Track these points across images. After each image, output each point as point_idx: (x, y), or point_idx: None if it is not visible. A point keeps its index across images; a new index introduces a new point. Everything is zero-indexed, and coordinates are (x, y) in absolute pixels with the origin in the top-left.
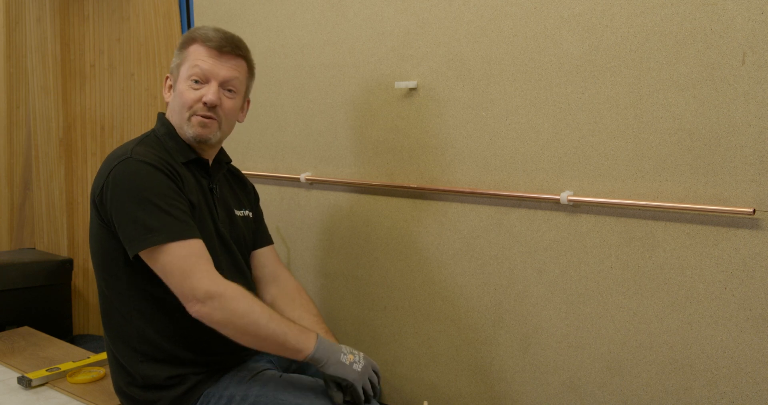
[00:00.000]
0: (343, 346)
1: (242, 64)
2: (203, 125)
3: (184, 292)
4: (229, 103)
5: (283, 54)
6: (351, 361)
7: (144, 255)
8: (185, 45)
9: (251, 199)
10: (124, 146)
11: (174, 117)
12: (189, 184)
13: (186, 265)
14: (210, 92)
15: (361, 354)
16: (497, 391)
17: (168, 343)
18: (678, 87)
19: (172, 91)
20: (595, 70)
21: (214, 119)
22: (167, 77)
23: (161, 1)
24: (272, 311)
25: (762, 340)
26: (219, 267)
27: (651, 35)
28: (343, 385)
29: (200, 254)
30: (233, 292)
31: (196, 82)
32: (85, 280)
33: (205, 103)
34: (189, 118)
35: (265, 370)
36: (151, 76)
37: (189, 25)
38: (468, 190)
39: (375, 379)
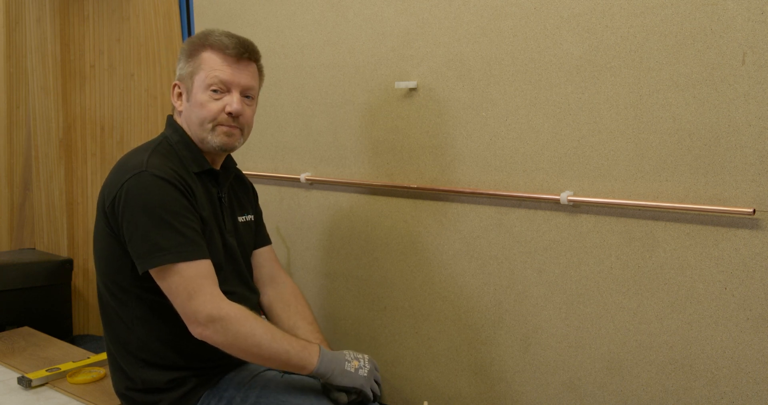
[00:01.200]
0: (346, 352)
1: (256, 69)
2: (229, 134)
3: (187, 314)
4: (249, 110)
5: (283, 54)
6: (356, 367)
7: (152, 272)
8: (196, 51)
9: (252, 200)
10: (137, 155)
11: (194, 127)
12: (200, 197)
13: (191, 287)
14: (234, 102)
15: (366, 357)
16: (497, 391)
17: (170, 351)
18: (678, 87)
19: (182, 99)
20: (595, 70)
21: (238, 128)
22: (175, 85)
23: (161, 1)
24: (274, 329)
25: (762, 340)
26: (225, 278)
27: (651, 35)
28: (352, 392)
29: (206, 275)
30: (235, 314)
31: (216, 92)
32: (85, 280)
33: (229, 113)
34: (213, 129)
35: (265, 371)
36: (151, 77)
37: (189, 25)
38: (468, 190)
39: (378, 377)
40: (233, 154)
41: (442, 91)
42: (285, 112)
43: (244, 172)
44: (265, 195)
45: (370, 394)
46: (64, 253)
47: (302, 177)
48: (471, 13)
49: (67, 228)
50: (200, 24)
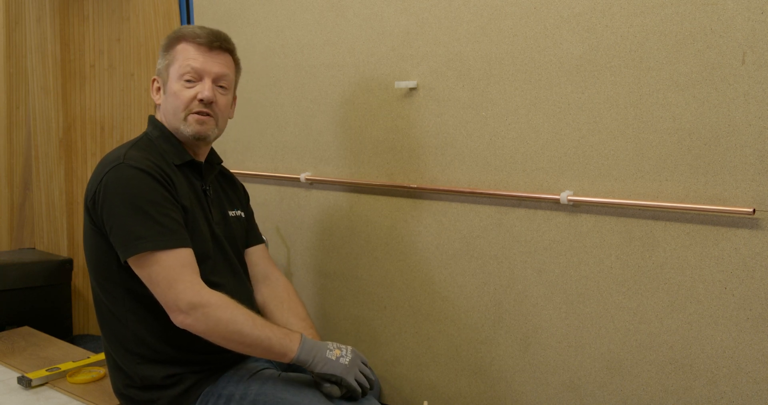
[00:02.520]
0: (329, 342)
1: (230, 59)
2: (201, 122)
3: (167, 302)
4: (222, 99)
5: (283, 54)
6: (338, 355)
7: (131, 262)
8: (171, 45)
9: (242, 199)
10: (117, 150)
11: (169, 118)
12: (182, 188)
13: (171, 275)
14: (205, 89)
15: (349, 348)
16: (497, 391)
17: (164, 345)
18: (678, 87)
19: (161, 93)
20: (595, 70)
21: (211, 116)
22: (154, 79)
23: (161, 1)
24: (255, 317)
25: (762, 340)
26: (214, 268)
27: (651, 35)
28: (334, 381)
29: (186, 264)
30: (216, 301)
31: (189, 81)
32: (85, 280)
33: (201, 100)
34: (185, 118)
35: (263, 368)
36: (151, 77)
37: None
38: (468, 190)
39: (367, 371)
40: (229, 152)
41: (442, 90)
42: (285, 112)
43: (244, 172)
44: (265, 195)
45: (354, 384)
46: (63, 253)
47: (302, 177)
48: (471, 13)
49: (66, 228)
50: (200, 24)
